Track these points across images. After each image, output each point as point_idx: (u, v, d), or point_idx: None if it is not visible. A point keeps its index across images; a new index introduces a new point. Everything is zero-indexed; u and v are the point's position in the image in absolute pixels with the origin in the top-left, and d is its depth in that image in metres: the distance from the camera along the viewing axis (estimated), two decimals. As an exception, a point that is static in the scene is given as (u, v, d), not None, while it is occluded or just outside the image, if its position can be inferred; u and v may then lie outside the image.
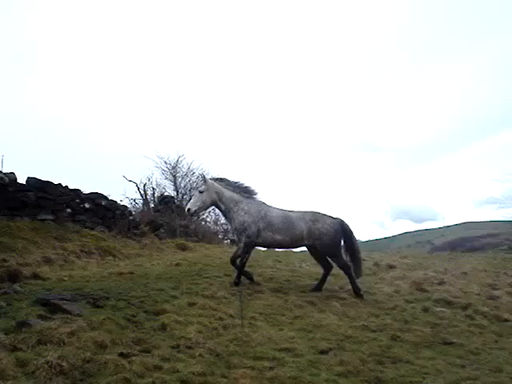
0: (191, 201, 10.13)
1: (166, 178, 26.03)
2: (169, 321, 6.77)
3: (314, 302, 8.94)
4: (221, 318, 7.36)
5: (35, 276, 9.11)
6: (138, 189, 24.38)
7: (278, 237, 9.86)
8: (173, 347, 5.82)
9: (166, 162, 25.92)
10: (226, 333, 6.72)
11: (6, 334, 5.37)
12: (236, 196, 10.08)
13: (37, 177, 14.05)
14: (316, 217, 10.12)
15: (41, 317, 6.07)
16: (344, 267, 10.08)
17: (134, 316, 6.93)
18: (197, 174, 25.36)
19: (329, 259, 10.31)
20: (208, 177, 10.41)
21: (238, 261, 10.06)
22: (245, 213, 9.88)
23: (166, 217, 21.11)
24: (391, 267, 14.04)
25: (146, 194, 24.54)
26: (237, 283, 9.65)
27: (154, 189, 25.27)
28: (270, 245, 10.43)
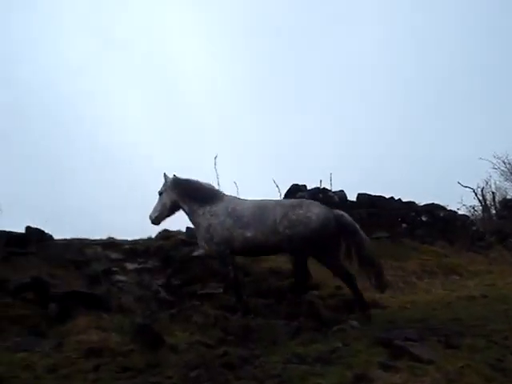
0: (153, 207, 8.09)
1: (507, 180, 23.39)
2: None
3: None
4: None
5: (374, 304, 8.18)
6: (476, 194, 22.25)
7: (249, 233, 7.32)
8: None
9: (504, 162, 23.22)
10: None
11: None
12: (202, 202, 7.81)
13: (367, 192, 13.42)
14: (302, 203, 7.68)
15: (382, 366, 4.86)
16: (339, 271, 7.45)
17: (501, 361, 5.22)
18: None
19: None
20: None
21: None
22: (211, 215, 7.61)
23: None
24: None
25: (484, 200, 22.30)
26: (245, 312, 7.09)
27: (493, 193, 22.84)
28: (244, 248, 7.57)
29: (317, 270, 9.47)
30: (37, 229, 8.17)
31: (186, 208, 8.01)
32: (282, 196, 12.70)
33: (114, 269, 7.75)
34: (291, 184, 12.81)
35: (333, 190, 13.03)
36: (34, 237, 7.99)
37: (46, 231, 8.33)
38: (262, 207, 7.61)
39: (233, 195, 8.17)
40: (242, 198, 8.24)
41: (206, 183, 8.17)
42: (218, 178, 11.85)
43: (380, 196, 13.73)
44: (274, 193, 13.04)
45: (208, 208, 7.76)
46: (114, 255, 8.42)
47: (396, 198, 14.15)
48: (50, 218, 10.01)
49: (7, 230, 7.94)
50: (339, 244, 7.59)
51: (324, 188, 12.96)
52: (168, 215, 8.16)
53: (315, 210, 7.47)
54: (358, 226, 7.60)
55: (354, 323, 6.65)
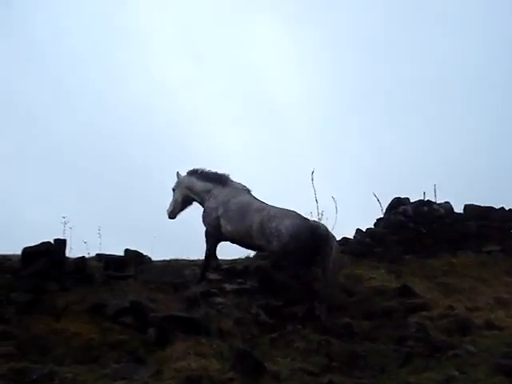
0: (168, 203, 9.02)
1: None
2: None
3: None
4: None
5: (488, 325, 7.54)
6: None
7: (229, 227, 8.06)
8: None
9: None
10: None
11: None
12: (210, 185, 8.57)
13: (475, 203, 12.57)
14: (279, 213, 7.80)
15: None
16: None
17: None
18: None
19: None
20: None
21: None
22: (213, 198, 8.39)
23: None
24: None
25: None
26: (199, 281, 7.93)
27: None
28: (227, 238, 8.34)
29: (425, 288, 8.92)
30: (135, 251, 8.27)
31: (197, 199, 8.77)
32: (383, 211, 12.15)
33: (213, 290, 7.61)
34: (393, 197, 12.26)
35: (438, 202, 12.34)
36: (133, 260, 8.07)
37: (144, 253, 8.42)
38: (246, 207, 8.05)
39: (241, 185, 8.61)
40: (250, 191, 8.60)
41: (215, 171, 8.73)
42: (315, 193, 11.48)
43: (489, 207, 12.77)
44: (374, 208, 12.48)
45: (214, 192, 8.44)
46: (212, 276, 8.32)
47: (507, 209, 13.14)
48: (150, 240, 10.09)
49: (106, 253, 8.10)
50: (314, 257, 7.58)
51: (428, 200, 12.26)
52: (182, 209, 8.98)
53: (286, 223, 7.56)
54: (332, 240, 7.61)
55: (470, 348, 6.10)
